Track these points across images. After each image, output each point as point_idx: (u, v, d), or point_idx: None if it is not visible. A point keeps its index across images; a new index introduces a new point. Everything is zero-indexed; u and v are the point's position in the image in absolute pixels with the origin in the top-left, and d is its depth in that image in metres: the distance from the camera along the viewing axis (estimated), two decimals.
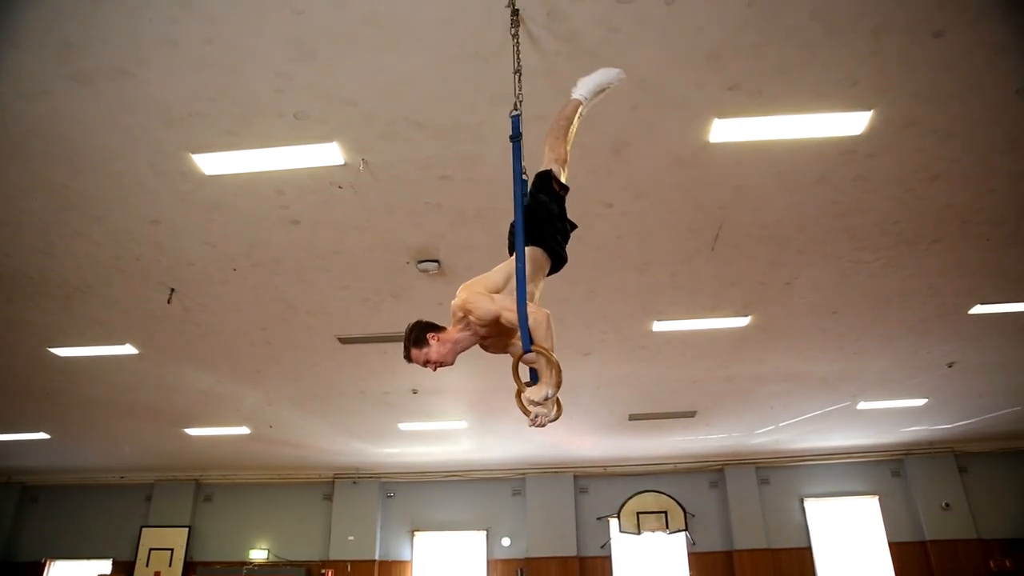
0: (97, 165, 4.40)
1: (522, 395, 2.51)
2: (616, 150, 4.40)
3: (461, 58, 3.58)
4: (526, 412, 2.49)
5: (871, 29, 3.44)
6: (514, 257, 2.68)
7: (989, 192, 4.88)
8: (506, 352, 2.75)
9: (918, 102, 3.97)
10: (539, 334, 2.44)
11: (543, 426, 2.51)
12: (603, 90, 3.15)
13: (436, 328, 2.68)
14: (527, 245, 2.70)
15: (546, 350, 2.42)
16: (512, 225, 2.83)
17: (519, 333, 2.49)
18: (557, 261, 2.87)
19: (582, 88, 3.12)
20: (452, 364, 2.72)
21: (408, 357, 2.70)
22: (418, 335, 2.66)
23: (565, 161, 3.02)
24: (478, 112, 3.98)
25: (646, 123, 4.14)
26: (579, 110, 3.08)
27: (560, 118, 3.06)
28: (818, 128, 4.18)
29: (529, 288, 2.65)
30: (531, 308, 2.49)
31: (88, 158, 4.32)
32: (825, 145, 4.35)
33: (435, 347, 2.64)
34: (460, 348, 2.70)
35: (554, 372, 2.42)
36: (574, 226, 3.01)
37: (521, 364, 2.61)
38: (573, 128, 3.06)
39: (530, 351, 2.46)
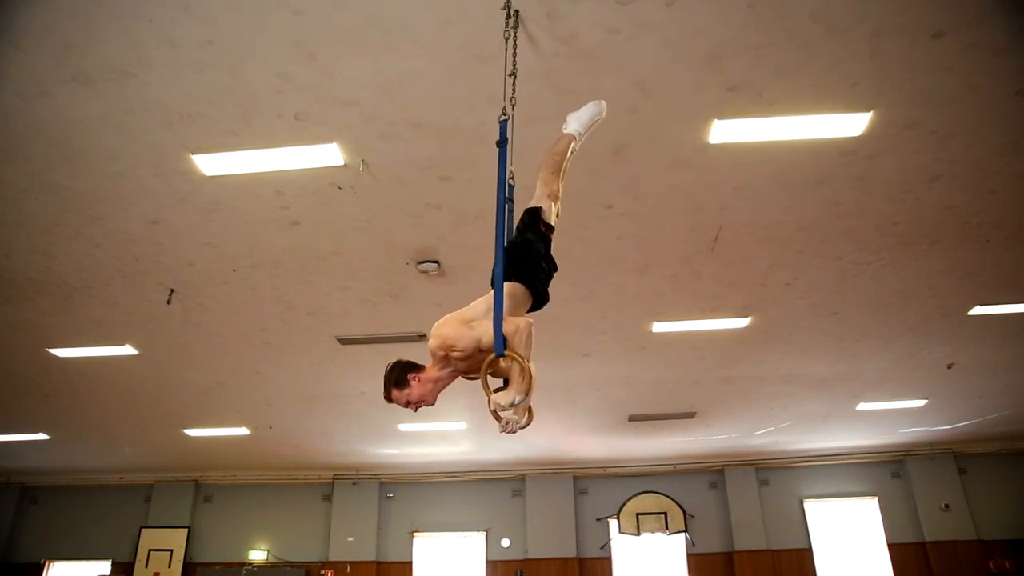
0: (97, 166, 4.40)
1: (490, 400, 2.45)
2: (616, 151, 4.40)
3: (461, 59, 3.58)
4: (497, 418, 2.46)
5: (871, 30, 3.44)
6: (492, 292, 2.60)
7: (989, 193, 4.89)
8: (481, 370, 2.57)
9: (918, 103, 3.97)
10: (514, 340, 2.38)
11: (513, 432, 2.48)
12: (594, 122, 3.13)
13: (416, 368, 2.61)
14: (510, 281, 2.63)
15: (519, 356, 2.35)
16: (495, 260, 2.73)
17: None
18: (538, 300, 2.80)
19: (574, 123, 3.09)
20: (433, 404, 2.66)
21: (388, 398, 2.63)
22: (398, 376, 2.59)
23: (557, 197, 2.97)
24: (478, 113, 3.98)
25: (646, 124, 4.14)
26: (572, 145, 3.04)
27: (554, 153, 3.02)
28: (818, 129, 4.18)
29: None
30: (510, 317, 2.44)
31: (88, 159, 4.32)
32: (825, 146, 4.35)
33: (416, 388, 2.58)
34: (440, 387, 2.64)
35: (525, 379, 2.35)
36: (556, 268, 2.96)
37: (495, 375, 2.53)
38: (566, 163, 3.03)
39: (503, 355, 2.38)
